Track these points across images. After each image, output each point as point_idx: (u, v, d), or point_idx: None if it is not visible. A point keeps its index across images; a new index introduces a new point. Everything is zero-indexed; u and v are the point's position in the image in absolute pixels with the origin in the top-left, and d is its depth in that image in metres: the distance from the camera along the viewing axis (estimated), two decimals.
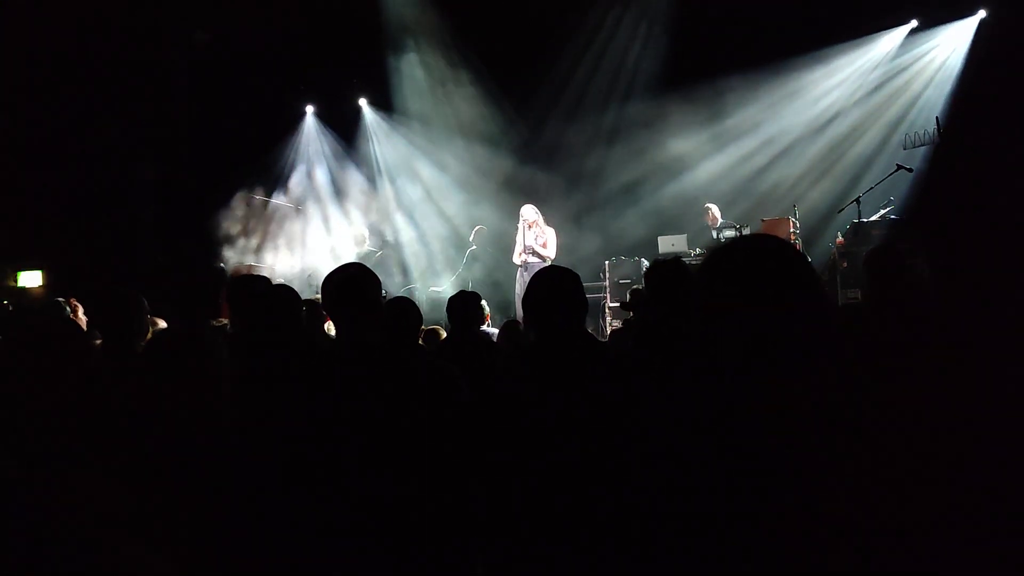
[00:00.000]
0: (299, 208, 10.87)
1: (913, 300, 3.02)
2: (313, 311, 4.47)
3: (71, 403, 2.53)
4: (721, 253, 1.57)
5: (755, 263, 1.50)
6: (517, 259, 9.23)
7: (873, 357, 1.52)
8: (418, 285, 10.12)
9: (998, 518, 1.30)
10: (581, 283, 2.59)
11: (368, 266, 2.72)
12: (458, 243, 10.43)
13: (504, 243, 9.85)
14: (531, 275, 2.77)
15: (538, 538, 2.25)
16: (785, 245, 1.57)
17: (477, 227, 10.05)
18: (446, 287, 9.64)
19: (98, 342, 3.81)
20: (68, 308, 5.64)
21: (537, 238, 9.07)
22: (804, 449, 1.36)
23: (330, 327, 4.87)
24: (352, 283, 2.58)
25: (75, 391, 2.60)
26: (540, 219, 9.20)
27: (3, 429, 2.27)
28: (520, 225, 9.19)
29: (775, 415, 1.39)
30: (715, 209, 9.73)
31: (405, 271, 10.50)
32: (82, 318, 5.54)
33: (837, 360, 1.44)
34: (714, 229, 9.51)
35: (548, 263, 8.78)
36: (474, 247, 9.83)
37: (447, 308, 4.46)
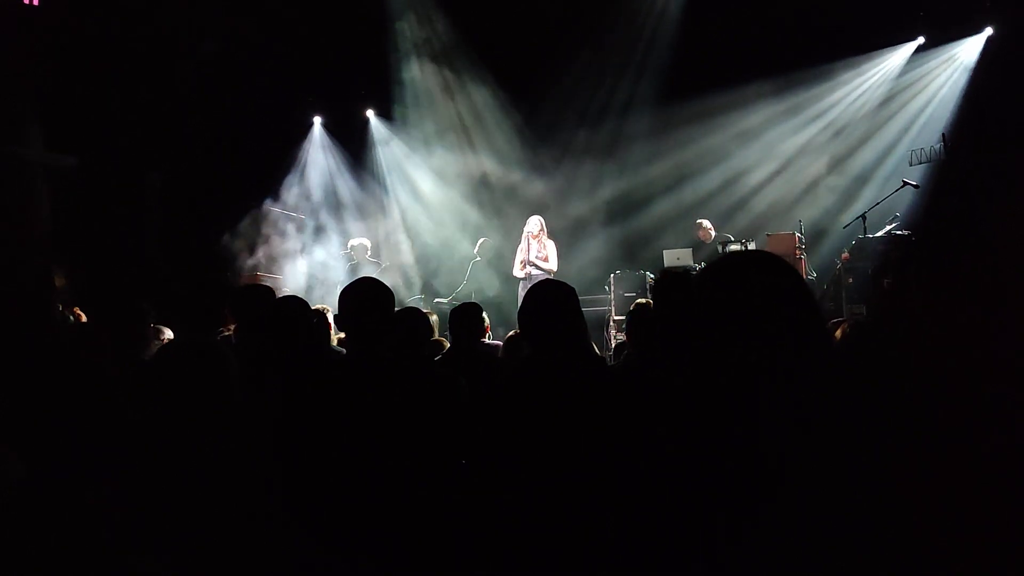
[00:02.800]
0: (305, 218, 10.90)
1: (912, 315, 3.00)
2: (321, 322, 4.48)
3: (85, 410, 2.54)
4: (712, 268, 1.59)
5: (745, 278, 1.52)
6: (519, 272, 9.25)
7: (876, 371, 1.52)
8: (422, 297, 10.12)
9: (1005, 531, 1.30)
10: (576, 297, 2.59)
11: (379, 279, 2.75)
12: (463, 255, 10.44)
13: (510, 255, 9.87)
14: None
15: (531, 546, 2.25)
16: (774, 258, 1.58)
17: (482, 239, 10.06)
18: (450, 299, 9.65)
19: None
20: (72, 316, 5.65)
21: (539, 252, 9.10)
22: (805, 462, 1.36)
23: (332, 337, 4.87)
24: (368, 297, 2.61)
25: (90, 398, 2.62)
26: (544, 231, 9.24)
27: (23, 431, 2.28)
28: (524, 236, 9.22)
29: (773, 429, 1.39)
30: (707, 223, 9.75)
31: (409, 282, 10.50)
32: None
33: (837, 374, 1.44)
34: (719, 244, 9.51)
35: (550, 276, 8.81)
36: (478, 259, 9.85)
37: (449, 320, 4.47)
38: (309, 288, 9.82)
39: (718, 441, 1.47)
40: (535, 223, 9.22)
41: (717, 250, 9.47)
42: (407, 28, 10.84)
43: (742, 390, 1.47)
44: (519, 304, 9.77)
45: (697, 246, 9.77)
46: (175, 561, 2.03)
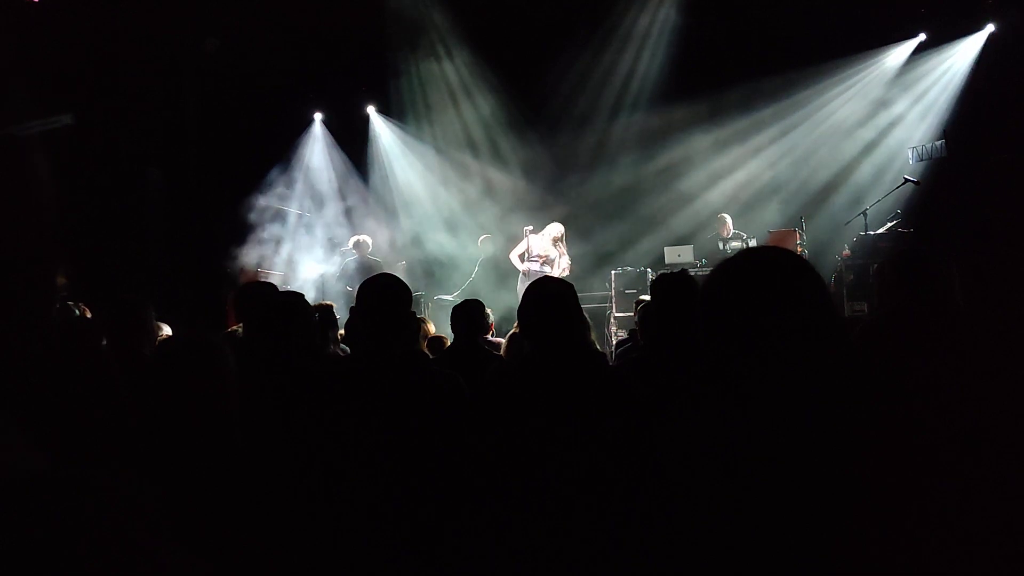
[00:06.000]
0: (305, 214, 10.90)
1: (944, 309, 2.96)
2: (325, 317, 4.48)
3: (85, 403, 2.54)
4: (729, 265, 1.56)
5: (761, 274, 1.49)
6: (519, 264, 9.33)
7: (899, 366, 1.50)
8: (424, 293, 10.12)
9: (1005, 530, 1.30)
10: (575, 293, 2.58)
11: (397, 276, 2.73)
12: (462, 252, 10.45)
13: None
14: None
15: (531, 544, 2.25)
16: (791, 256, 1.55)
17: (483, 236, 10.07)
18: (454, 296, 9.65)
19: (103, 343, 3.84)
20: (76, 311, 5.66)
21: (548, 254, 9.24)
22: (814, 463, 1.36)
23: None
24: (387, 295, 2.59)
25: (89, 391, 2.61)
26: (563, 241, 9.40)
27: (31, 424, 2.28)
28: (540, 235, 9.31)
29: (783, 428, 1.39)
30: (729, 220, 9.72)
31: (412, 279, 10.50)
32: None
33: (850, 371, 1.44)
34: (720, 240, 9.52)
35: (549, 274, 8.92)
36: (482, 256, 9.87)
37: (451, 316, 4.47)
38: (310, 284, 9.82)
39: (717, 442, 1.47)
40: (556, 228, 9.36)
41: (719, 246, 9.47)
42: (409, 26, 10.82)
43: (742, 391, 1.47)
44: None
45: (700, 243, 9.78)
46: (171, 559, 2.03)
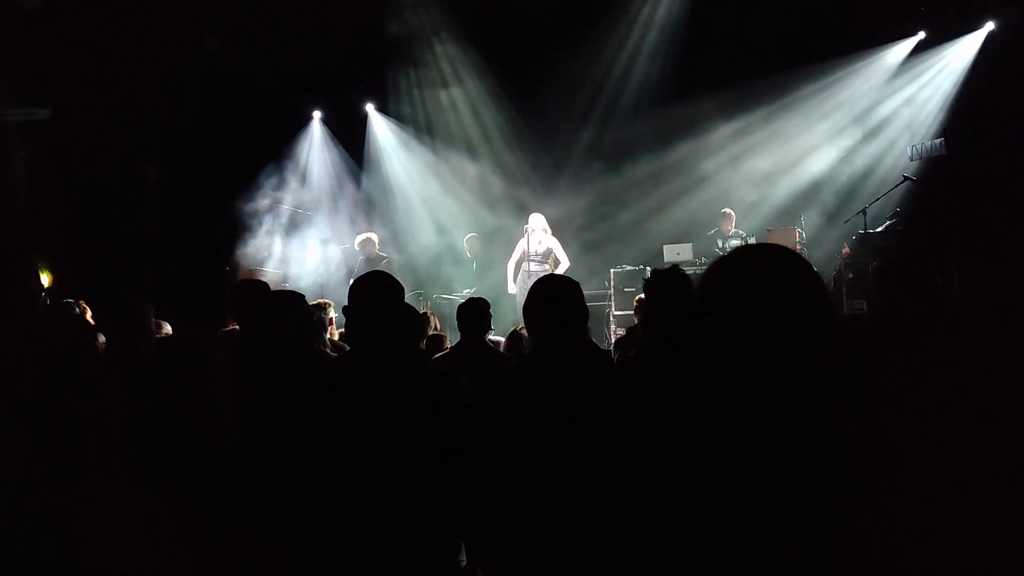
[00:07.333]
0: (305, 213, 10.89)
1: (943, 307, 2.96)
2: (318, 316, 4.48)
3: (80, 400, 2.54)
4: (724, 262, 1.55)
5: (758, 272, 1.48)
6: (512, 274, 9.38)
7: (895, 366, 1.50)
8: (424, 291, 10.12)
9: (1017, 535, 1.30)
10: (581, 291, 2.58)
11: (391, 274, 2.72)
12: (460, 251, 10.46)
13: (508, 251, 9.89)
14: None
15: (534, 540, 2.25)
16: (789, 253, 1.55)
17: (468, 235, 10.11)
18: (454, 296, 9.66)
19: (100, 339, 3.84)
20: (77, 309, 5.66)
21: (541, 247, 9.23)
22: (813, 463, 1.36)
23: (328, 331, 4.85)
24: (380, 292, 2.58)
25: (83, 388, 2.61)
26: (547, 229, 9.38)
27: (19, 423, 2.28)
28: (525, 233, 9.30)
29: (782, 428, 1.39)
30: (734, 216, 9.67)
31: (414, 277, 10.49)
32: (90, 320, 5.56)
33: (845, 369, 1.43)
34: (720, 238, 9.52)
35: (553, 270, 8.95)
36: (472, 257, 9.91)
37: (457, 315, 4.47)
38: (310, 282, 9.82)
39: (717, 442, 1.46)
40: (538, 220, 9.34)
41: (718, 244, 9.47)
42: (407, 24, 10.81)
43: (741, 391, 1.46)
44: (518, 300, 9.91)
45: (699, 241, 9.78)
46: (170, 555, 2.04)
